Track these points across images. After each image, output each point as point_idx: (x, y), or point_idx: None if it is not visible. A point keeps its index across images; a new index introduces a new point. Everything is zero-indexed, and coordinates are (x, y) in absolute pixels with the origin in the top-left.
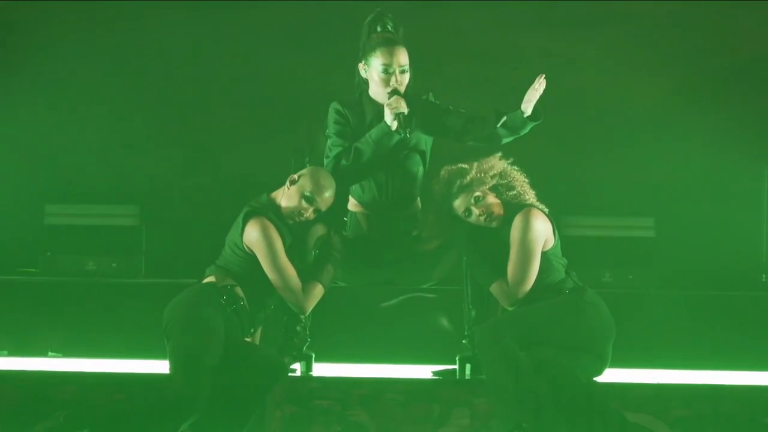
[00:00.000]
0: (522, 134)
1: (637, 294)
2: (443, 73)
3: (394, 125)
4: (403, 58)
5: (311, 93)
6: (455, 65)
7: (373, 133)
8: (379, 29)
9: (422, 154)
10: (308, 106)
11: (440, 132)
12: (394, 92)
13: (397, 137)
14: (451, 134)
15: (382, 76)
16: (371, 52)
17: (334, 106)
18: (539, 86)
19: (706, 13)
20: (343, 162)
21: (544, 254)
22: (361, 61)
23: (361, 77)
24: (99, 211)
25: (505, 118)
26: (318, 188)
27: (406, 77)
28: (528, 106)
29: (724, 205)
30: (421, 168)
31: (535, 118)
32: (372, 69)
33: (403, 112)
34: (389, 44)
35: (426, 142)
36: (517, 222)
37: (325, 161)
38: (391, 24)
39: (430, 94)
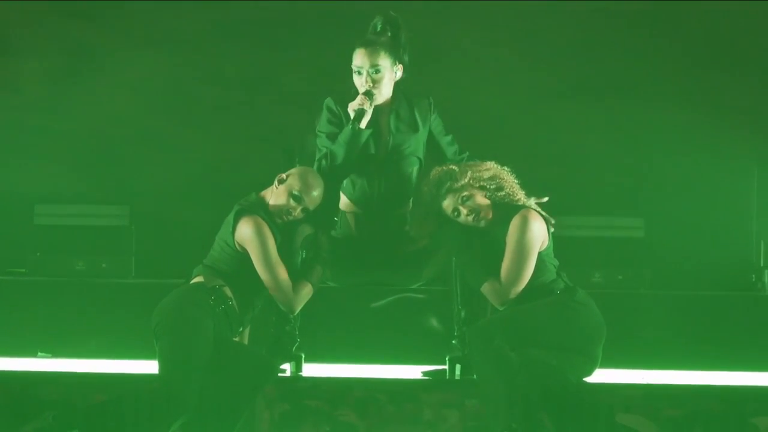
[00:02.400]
0: None
1: (626, 294)
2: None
3: (352, 115)
4: (375, 58)
5: (302, 93)
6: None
7: (342, 135)
8: (372, 33)
9: (419, 157)
10: (298, 106)
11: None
12: (367, 94)
13: (366, 135)
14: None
15: (356, 77)
16: (352, 54)
17: (328, 103)
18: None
19: (696, 12)
20: (323, 164)
21: (538, 255)
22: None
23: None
24: (89, 212)
25: None
26: (306, 187)
27: (381, 77)
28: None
29: (713, 206)
30: (416, 169)
31: None
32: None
33: (364, 109)
34: (362, 45)
35: (423, 145)
36: (515, 222)
37: (316, 159)
38: (390, 26)
39: (431, 98)
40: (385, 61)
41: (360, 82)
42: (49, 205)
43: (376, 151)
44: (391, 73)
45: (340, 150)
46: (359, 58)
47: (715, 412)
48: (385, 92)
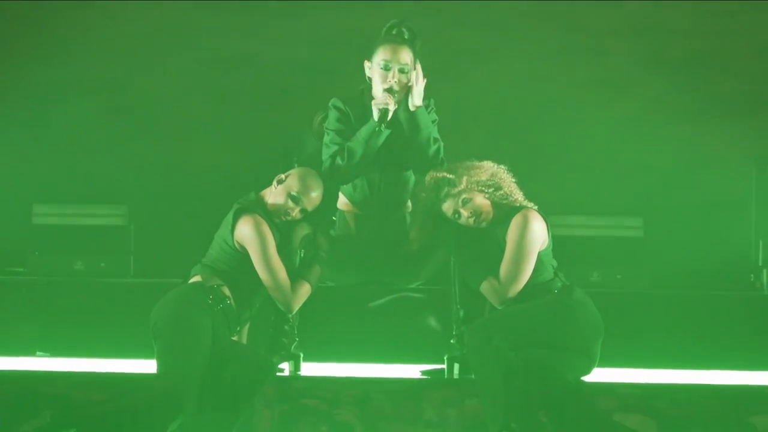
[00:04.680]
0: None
1: (625, 293)
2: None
3: (376, 116)
4: (405, 57)
5: (301, 94)
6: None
7: (362, 132)
8: (394, 32)
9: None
10: (297, 107)
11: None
12: (389, 90)
13: (385, 135)
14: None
15: (381, 72)
16: (376, 48)
17: (335, 102)
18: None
19: (695, 14)
20: (338, 161)
21: (537, 254)
22: (367, 59)
23: (366, 76)
24: (87, 211)
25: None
26: (305, 188)
27: (406, 77)
28: (417, 101)
29: (712, 205)
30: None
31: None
32: (374, 66)
33: (388, 108)
34: (393, 42)
35: None
36: (516, 222)
37: (323, 156)
38: (407, 31)
39: (431, 100)
40: (411, 62)
41: (385, 77)
42: (47, 204)
43: (380, 152)
44: (410, 76)
45: (358, 147)
46: (389, 53)
47: (714, 412)
48: (402, 94)
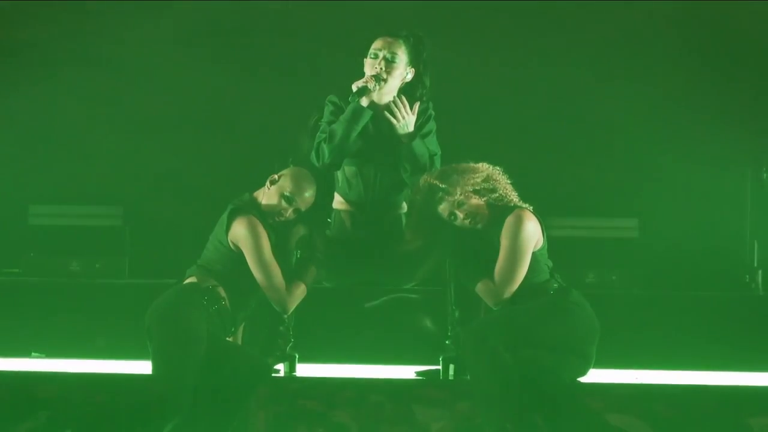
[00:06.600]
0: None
1: (620, 294)
2: None
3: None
4: (395, 47)
5: (296, 95)
6: None
7: (345, 112)
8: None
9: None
10: (293, 107)
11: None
12: (375, 76)
13: (367, 116)
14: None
15: (369, 61)
16: (371, 44)
17: (331, 98)
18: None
19: (691, 14)
20: (323, 144)
21: (532, 255)
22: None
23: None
24: (83, 212)
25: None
26: (298, 188)
27: (395, 66)
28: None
29: (707, 206)
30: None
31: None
32: (366, 58)
33: (367, 87)
34: (385, 34)
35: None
36: (509, 222)
37: (315, 145)
38: (406, 30)
39: (430, 104)
40: (402, 54)
41: (372, 65)
42: (43, 205)
43: (375, 152)
44: (403, 69)
45: (339, 127)
46: (379, 43)
47: (709, 412)
48: (392, 85)
